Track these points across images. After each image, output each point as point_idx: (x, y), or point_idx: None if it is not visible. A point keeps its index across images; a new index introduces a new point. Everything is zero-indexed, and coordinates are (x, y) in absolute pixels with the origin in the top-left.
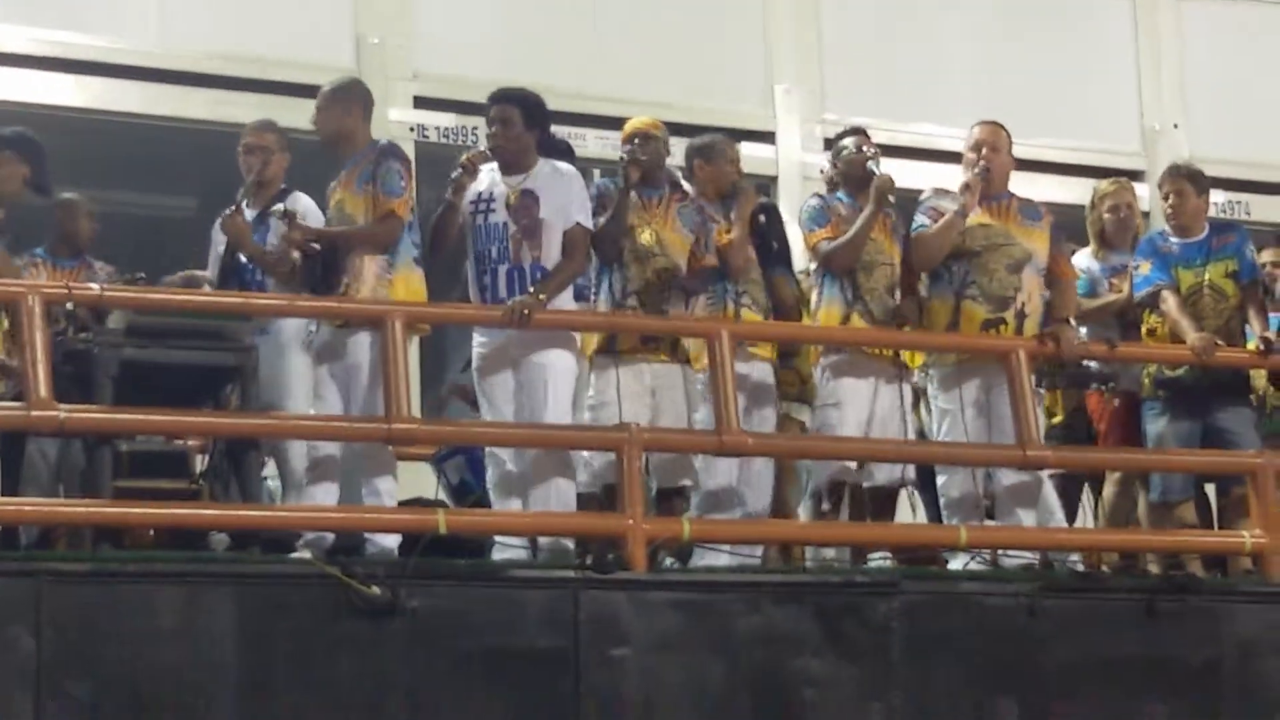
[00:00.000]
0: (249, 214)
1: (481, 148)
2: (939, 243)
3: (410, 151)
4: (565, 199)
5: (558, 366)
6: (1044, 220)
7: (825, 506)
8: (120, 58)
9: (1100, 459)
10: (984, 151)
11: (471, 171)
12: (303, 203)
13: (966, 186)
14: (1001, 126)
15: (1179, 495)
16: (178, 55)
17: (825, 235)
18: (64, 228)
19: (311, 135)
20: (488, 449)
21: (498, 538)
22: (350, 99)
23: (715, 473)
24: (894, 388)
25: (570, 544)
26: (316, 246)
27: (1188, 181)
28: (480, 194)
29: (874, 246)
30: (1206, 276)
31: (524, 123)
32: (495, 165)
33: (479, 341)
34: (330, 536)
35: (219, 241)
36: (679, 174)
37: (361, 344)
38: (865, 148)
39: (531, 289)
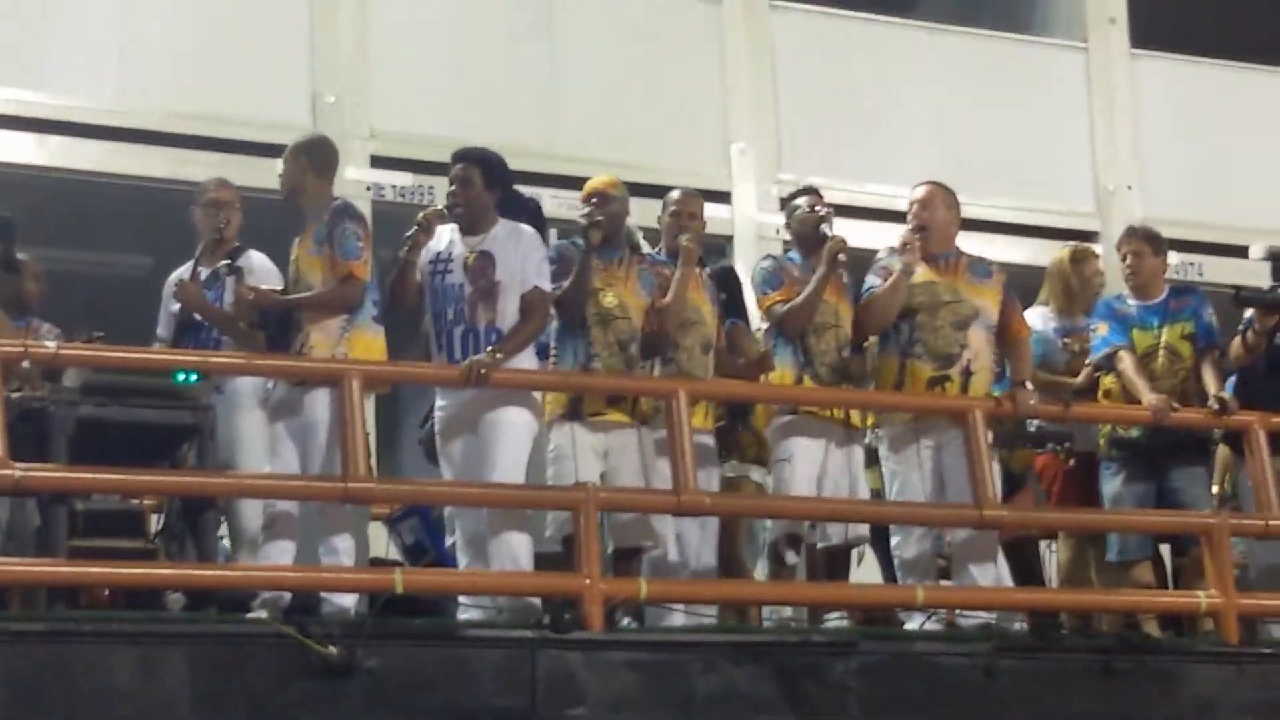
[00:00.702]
0: (202, 272)
1: (438, 206)
2: (887, 304)
3: (367, 210)
4: (522, 262)
5: (513, 424)
6: (994, 278)
7: (789, 556)
8: (77, 116)
9: (1056, 519)
10: (914, 209)
11: (427, 229)
12: (255, 260)
13: (905, 246)
14: (939, 185)
15: (1135, 555)
16: (134, 114)
17: (779, 298)
18: (12, 288)
19: (268, 194)
20: (448, 513)
21: (462, 599)
22: (307, 156)
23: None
24: (845, 450)
25: (537, 601)
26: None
27: (1145, 243)
28: (439, 254)
29: (825, 308)
30: (1163, 338)
31: (484, 183)
32: (455, 225)
33: (440, 405)
34: (287, 596)
35: (171, 300)
36: (638, 235)
37: (318, 401)
38: (818, 207)
39: (489, 349)
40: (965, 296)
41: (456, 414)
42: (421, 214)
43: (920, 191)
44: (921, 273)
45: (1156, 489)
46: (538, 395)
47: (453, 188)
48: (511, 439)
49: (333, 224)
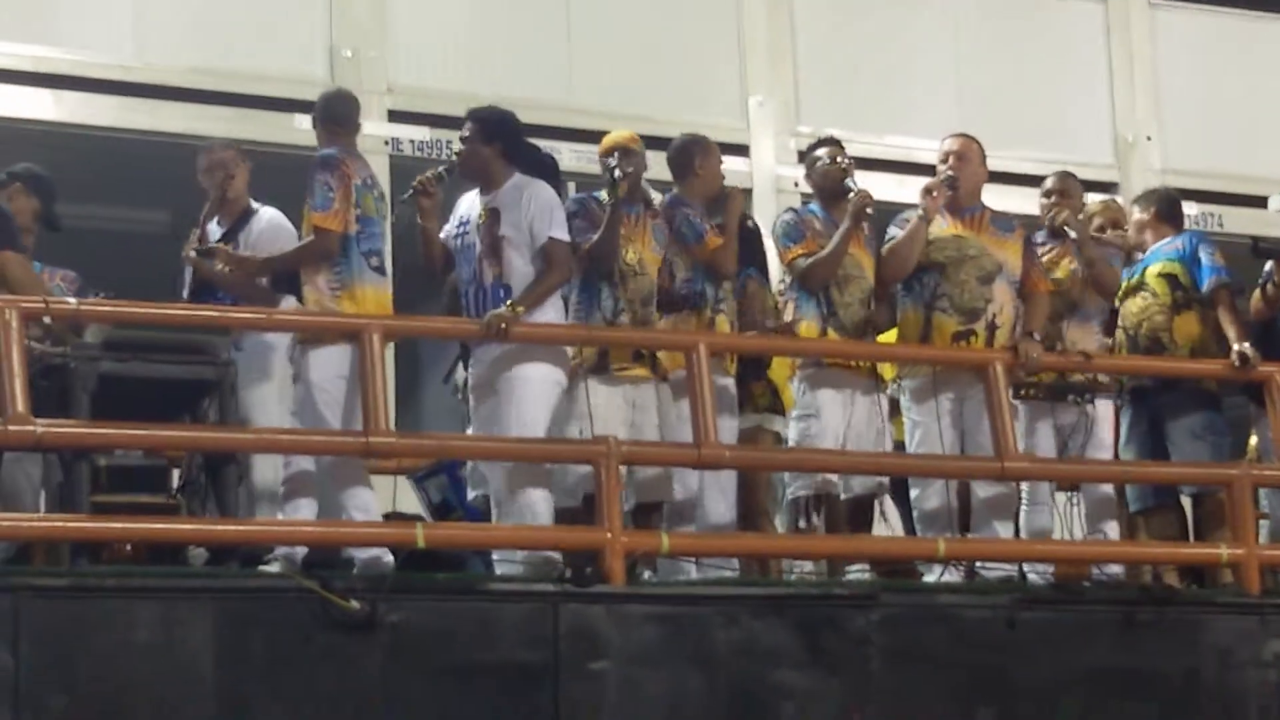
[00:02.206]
0: (216, 231)
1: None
2: (905, 252)
3: (385, 165)
4: (527, 216)
5: (532, 379)
6: (1016, 233)
7: (803, 524)
8: (95, 72)
9: (1077, 471)
10: (950, 161)
11: (425, 192)
12: (265, 217)
13: (928, 190)
14: (973, 139)
15: (1150, 504)
16: (152, 69)
17: (801, 251)
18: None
19: (285, 149)
20: (470, 469)
21: (495, 554)
22: (315, 110)
23: (681, 485)
24: (870, 399)
25: (557, 555)
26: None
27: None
28: (462, 217)
29: (849, 260)
30: (1141, 279)
31: (481, 138)
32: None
33: (471, 365)
34: (301, 550)
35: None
36: (650, 191)
37: (312, 363)
38: (839, 159)
39: (508, 303)
40: (990, 251)
41: (484, 374)
42: (417, 179)
43: (955, 144)
44: (947, 226)
45: (1156, 439)
46: (568, 350)
47: (458, 148)
48: (529, 395)
49: (309, 177)
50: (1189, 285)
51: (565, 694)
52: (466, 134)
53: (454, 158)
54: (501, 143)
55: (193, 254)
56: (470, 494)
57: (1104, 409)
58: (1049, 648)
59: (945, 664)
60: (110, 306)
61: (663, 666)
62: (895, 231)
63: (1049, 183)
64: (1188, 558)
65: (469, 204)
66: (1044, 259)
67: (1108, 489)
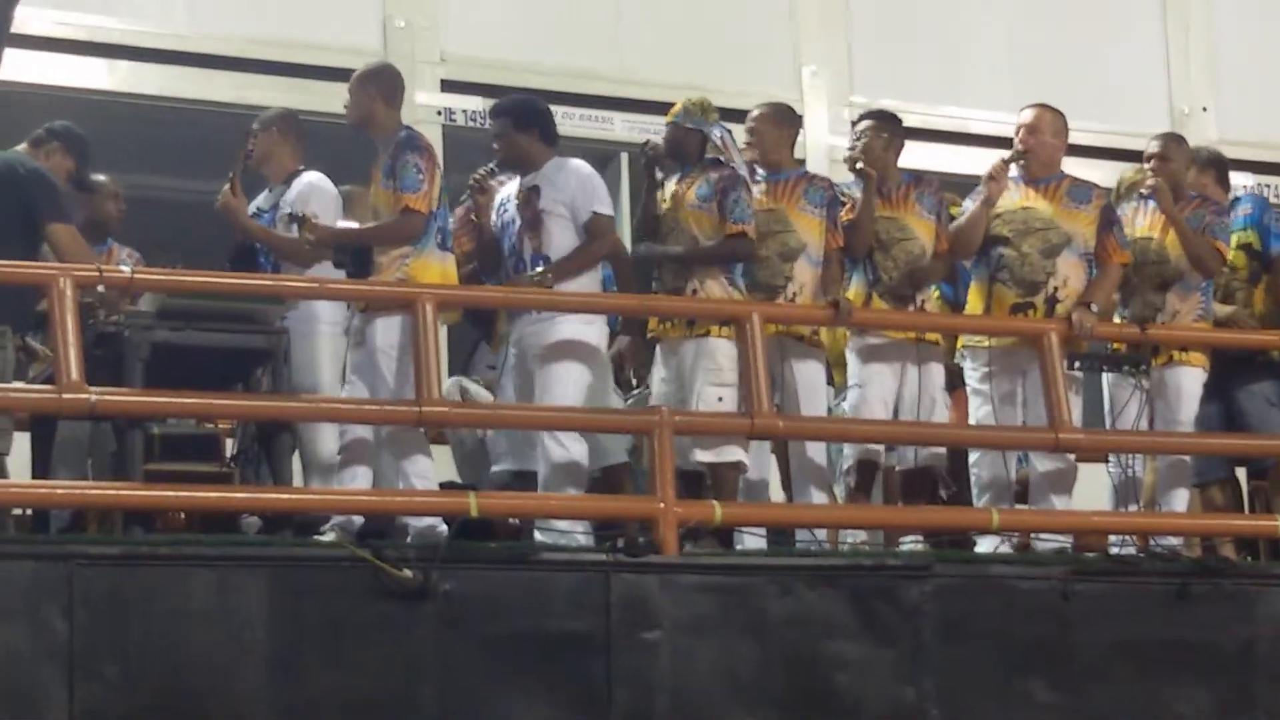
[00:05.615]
0: (267, 199)
1: (487, 166)
2: (967, 235)
3: (438, 135)
4: (569, 191)
5: (567, 353)
6: (1093, 203)
7: (851, 482)
8: (147, 41)
9: (1133, 442)
10: (1020, 134)
11: (481, 190)
12: (311, 180)
13: (991, 176)
14: (1045, 108)
15: (1209, 477)
16: (204, 38)
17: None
18: (91, 211)
19: (338, 119)
20: (491, 442)
21: (540, 523)
22: (373, 84)
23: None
24: (919, 370)
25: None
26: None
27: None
28: (502, 200)
29: (894, 225)
30: None
31: (515, 127)
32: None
33: (511, 342)
34: (358, 520)
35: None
36: (720, 146)
37: (380, 329)
38: (853, 145)
39: (537, 269)
40: (1058, 223)
41: (521, 349)
42: (472, 177)
43: (1027, 115)
44: (1019, 198)
45: (1223, 410)
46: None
47: (494, 145)
48: (565, 371)
49: (395, 156)
50: (1261, 252)
51: (617, 664)
52: (499, 129)
53: (497, 154)
54: (537, 127)
55: (286, 218)
56: (494, 468)
57: (1187, 381)
58: (1103, 619)
59: (999, 635)
60: (164, 275)
61: (715, 637)
62: (968, 205)
63: (1151, 146)
64: (1245, 529)
65: (509, 188)
66: (1147, 227)
67: (1180, 458)
